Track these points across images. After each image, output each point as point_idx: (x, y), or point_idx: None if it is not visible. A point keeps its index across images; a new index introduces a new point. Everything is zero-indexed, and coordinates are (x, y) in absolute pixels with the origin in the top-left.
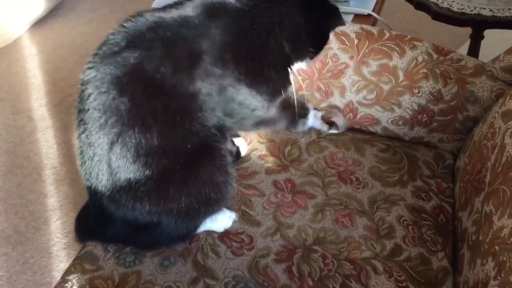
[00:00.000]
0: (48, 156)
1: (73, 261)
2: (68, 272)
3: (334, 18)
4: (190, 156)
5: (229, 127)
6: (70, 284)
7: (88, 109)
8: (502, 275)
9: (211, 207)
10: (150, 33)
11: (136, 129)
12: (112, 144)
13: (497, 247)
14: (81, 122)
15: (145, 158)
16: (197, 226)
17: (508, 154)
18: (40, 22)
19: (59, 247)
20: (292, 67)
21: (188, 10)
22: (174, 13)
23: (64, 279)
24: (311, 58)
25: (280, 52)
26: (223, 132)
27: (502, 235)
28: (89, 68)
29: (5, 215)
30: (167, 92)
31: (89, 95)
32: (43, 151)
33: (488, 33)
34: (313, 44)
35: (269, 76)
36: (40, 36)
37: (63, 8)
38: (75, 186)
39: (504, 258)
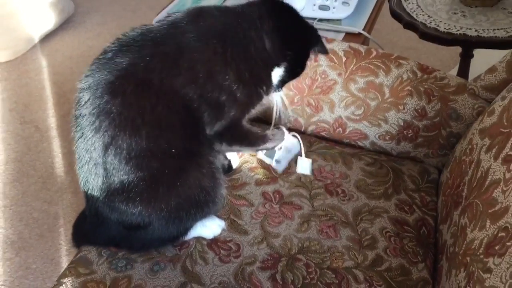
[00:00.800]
0: (53, 165)
1: (68, 265)
2: (63, 275)
3: (312, 37)
4: (177, 160)
5: (212, 134)
6: (64, 287)
7: (84, 115)
8: (471, 285)
9: (200, 210)
10: (141, 38)
11: (127, 132)
12: (106, 147)
13: (468, 258)
14: (78, 127)
15: (136, 160)
16: (187, 229)
17: (483, 169)
18: (50, 36)
19: (61, 253)
20: (273, 73)
21: (177, 16)
22: (164, 21)
23: (59, 282)
24: (293, 76)
25: (261, 51)
26: (210, 142)
27: (473, 246)
28: (86, 76)
29: (10, 222)
30: (154, 91)
31: (85, 101)
32: (48, 160)
33: (481, 52)
34: (293, 59)
35: (251, 69)
36: (50, 49)
37: (72, 22)
38: (78, 195)
39: (474, 269)
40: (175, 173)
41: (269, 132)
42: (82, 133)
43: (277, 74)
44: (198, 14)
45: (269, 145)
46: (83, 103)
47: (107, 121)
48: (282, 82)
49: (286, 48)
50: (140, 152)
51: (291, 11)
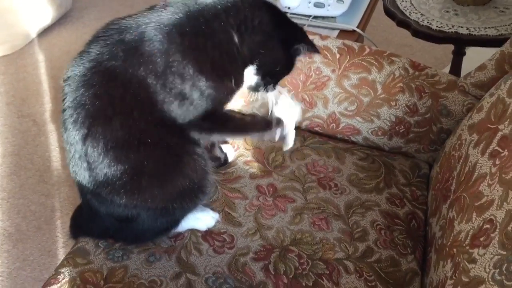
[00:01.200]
0: (50, 159)
1: (66, 255)
2: (61, 265)
3: (292, 36)
4: (155, 150)
5: (187, 124)
6: (62, 276)
7: (66, 109)
8: (456, 275)
9: (188, 200)
10: (109, 29)
11: (101, 122)
12: (84, 139)
13: (455, 250)
14: (62, 122)
15: (114, 151)
16: (177, 220)
17: (470, 164)
18: (47, 30)
19: (58, 245)
20: (246, 70)
21: (146, 8)
22: (134, 14)
23: (57, 271)
24: (275, 76)
25: (226, 45)
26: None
27: (459, 238)
28: (66, 72)
29: (8, 214)
30: (121, 80)
31: (65, 94)
32: (46, 154)
33: (475, 50)
34: (268, 58)
35: (212, 61)
36: (47, 44)
37: (70, 17)
38: (75, 188)
39: (459, 260)
40: (155, 163)
41: (256, 118)
42: (66, 127)
43: (251, 72)
44: (164, 6)
45: (259, 135)
46: (65, 97)
47: (83, 113)
48: (266, 82)
49: (257, 46)
50: (116, 143)
51: (269, 8)
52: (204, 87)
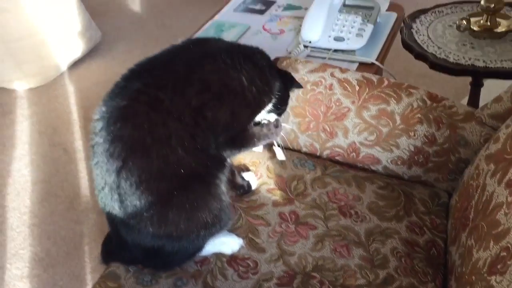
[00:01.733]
0: (80, 186)
1: (99, 279)
2: None
3: (291, 79)
4: (185, 181)
5: (219, 144)
6: None
7: (99, 143)
8: None
9: (209, 231)
10: (151, 62)
11: (137, 153)
12: (119, 172)
13: (473, 277)
14: (94, 155)
15: (146, 183)
16: (201, 247)
17: (488, 193)
18: (78, 63)
19: (86, 271)
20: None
21: (181, 43)
22: (169, 48)
23: None
24: (279, 112)
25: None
26: (221, 160)
27: (478, 266)
28: (99, 106)
29: (39, 240)
30: (165, 106)
31: (99, 129)
32: (75, 182)
33: (495, 82)
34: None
35: (260, 77)
36: (78, 75)
37: (100, 50)
38: (103, 215)
39: (478, 287)
40: (184, 195)
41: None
42: (97, 160)
43: (268, 107)
44: (201, 40)
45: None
46: (97, 131)
47: (120, 146)
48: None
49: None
50: (150, 174)
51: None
52: (252, 100)
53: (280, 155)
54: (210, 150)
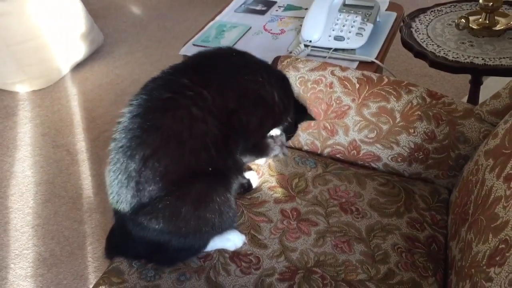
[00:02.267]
0: (83, 187)
1: (102, 275)
2: (97, 284)
3: (302, 114)
4: (208, 180)
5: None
6: None
7: (131, 128)
8: None
9: (215, 231)
10: (197, 62)
11: (172, 145)
12: (146, 160)
13: (473, 270)
14: (121, 139)
15: (171, 175)
16: (206, 244)
17: (487, 188)
18: (80, 65)
19: (90, 270)
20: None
21: (223, 49)
22: (213, 51)
23: None
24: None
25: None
26: (239, 166)
27: (477, 259)
28: (138, 94)
29: (42, 240)
30: (207, 105)
31: (136, 115)
32: (78, 182)
33: (495, 79)
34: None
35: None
36: (81, 78)
37: (102, 52)
38: (107, 214)
39: (477, 279)
40: (203, 194)
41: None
42: (124, 144)
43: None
44: (238, 51)
45: (276, 152)
46: (131, 116)
47: (154, 135)
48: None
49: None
50: (178, 166)
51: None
52: (277, 115)
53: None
54: (236, 154)
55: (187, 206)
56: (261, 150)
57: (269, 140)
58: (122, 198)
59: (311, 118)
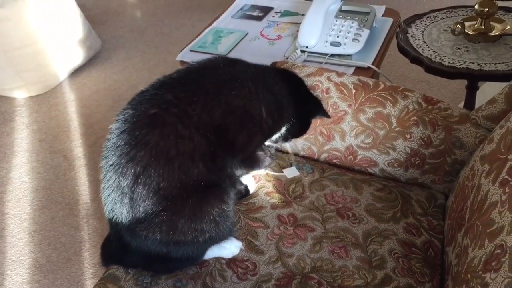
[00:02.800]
0: (80, 193)
1: (98, 281)
2: None
3: (317, 108)
4: (201, 195)
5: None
6: None
7: (120, 145)
8: None
9: (211, 242)
10: (183, 77)
11: (160, 162)
12: (137, 177)
13: (469, 275)
14: (110, 156)
15: (164, 190)
16: (203, 253)
17: (483, 193)
18: (78, 71)
19: (87, 276)
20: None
21: (213, 59)
22: (201, 63)
23: None
24: (294, 136)
25: (280, 103)
26: (233, 178)
27: (473, 264)
28: (126, 109)
29: (39, 246)
30: (193, 122)
31: (122, 131)
32: (75, 188)
33: (491, 84)
34: (296, 127)
35: (277, 110)
36: (78, 83)
37: (99, 58)
38: (103, 221)
39: (473, 285)
40: (198, 208)
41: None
42: (113, 162)
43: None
44: (232, 61)
45: (266, 163)
46: (118, 133)
47: (143, 152)
48: (285, 138)
49: (290, 115)
50: (170, 183)
51: (300, 83)
52: (267, 129)
53: (292, 173)
54: (228, 169)
55: (183, 219)
56: (252, 163)
57: (260, 153)
58: (118, 214)
59: (325, 114)
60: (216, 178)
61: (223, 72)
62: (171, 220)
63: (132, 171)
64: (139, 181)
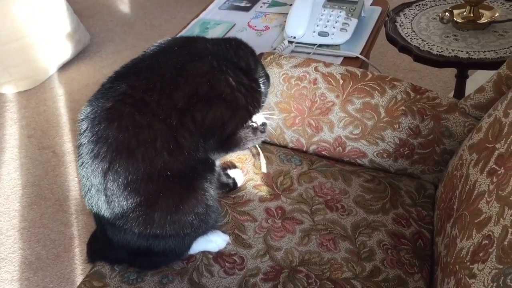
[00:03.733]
0: (69, 189)
1: (84, 279)
2: None
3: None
4: (171, 184)
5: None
6: None
7: (84, 144)
8: None
9: (195, 233)
10: (137, 65)
11: (123, 155)
12: (105, 173)
13: (457, 266)
14: (79, 156)
15: (134, 184)
16: (188, 247)
17: (471, 183)
18: (67, 65)
19: (77, 273)
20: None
21: (165, 42)
22: (155, 48)
23: None
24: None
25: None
26: (208, 163)
27: (461, 255)
28: (85, 107)
29: (28, 243)
30: (151, 109)
31: (84, 130)
32: (65, 184)
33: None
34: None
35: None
36: (67, 78)
37: (88, 52)
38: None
39: (461, 276)
40: (170, 198)
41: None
42: (82, 161)
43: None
44: (185, 39)
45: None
46: (82, 132)
47: (105, 147)
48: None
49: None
50: (136, 175)
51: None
52: (241, 102)
53: (264, 167)
54: (199, 154)
55: (158, 212)
56: (230, 146)
57: (244, 132)
58: (98, 210)
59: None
60: (185, 166)
61: (179, 54)
62: (146, 213)
63: (100, 168)
64: (107, 177)
